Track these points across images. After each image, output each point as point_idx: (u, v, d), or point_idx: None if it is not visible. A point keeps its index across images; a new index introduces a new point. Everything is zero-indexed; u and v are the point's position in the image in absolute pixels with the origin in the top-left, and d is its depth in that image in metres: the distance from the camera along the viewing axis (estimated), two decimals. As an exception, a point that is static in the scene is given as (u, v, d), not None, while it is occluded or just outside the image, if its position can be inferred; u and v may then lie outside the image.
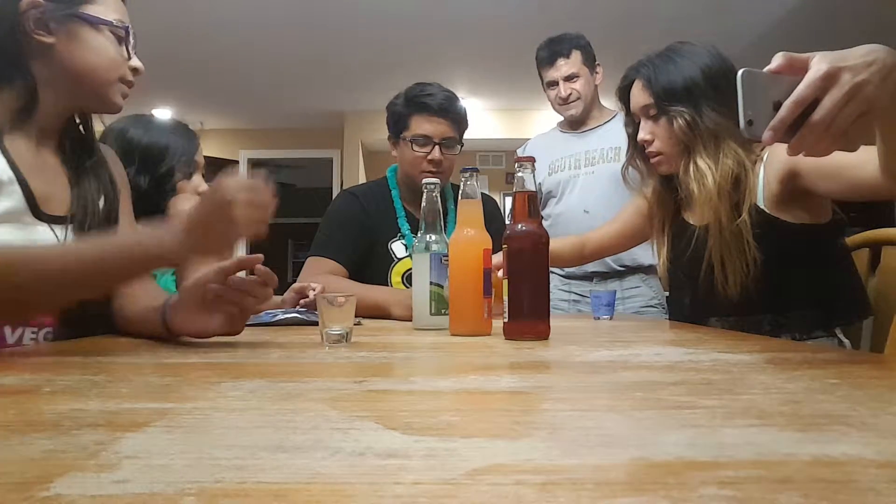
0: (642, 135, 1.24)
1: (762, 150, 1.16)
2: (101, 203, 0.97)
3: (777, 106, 0.63)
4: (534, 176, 0.95)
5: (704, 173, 1.15)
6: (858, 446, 0.32)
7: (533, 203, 0.94)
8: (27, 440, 0.34)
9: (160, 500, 0.25)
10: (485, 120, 5.92)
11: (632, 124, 1.32)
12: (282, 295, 1.49)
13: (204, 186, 1.38)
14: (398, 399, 0.47)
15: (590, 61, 2.01)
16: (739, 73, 0.64)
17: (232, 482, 0.27)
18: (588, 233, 1.59)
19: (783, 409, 0.42)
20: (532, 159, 0.95)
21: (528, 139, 2.31)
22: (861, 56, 0.63)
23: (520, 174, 0.94)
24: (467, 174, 1.01)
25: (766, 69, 0.65)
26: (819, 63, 0.62)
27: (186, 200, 1.33)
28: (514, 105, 5.92)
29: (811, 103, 0.62)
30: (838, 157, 0.71)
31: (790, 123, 0.63)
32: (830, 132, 0.63)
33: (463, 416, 0.42)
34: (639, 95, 1.24)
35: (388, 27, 4.21)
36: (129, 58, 0.94)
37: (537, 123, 5.71)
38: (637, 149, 1.32)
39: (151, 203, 1.27)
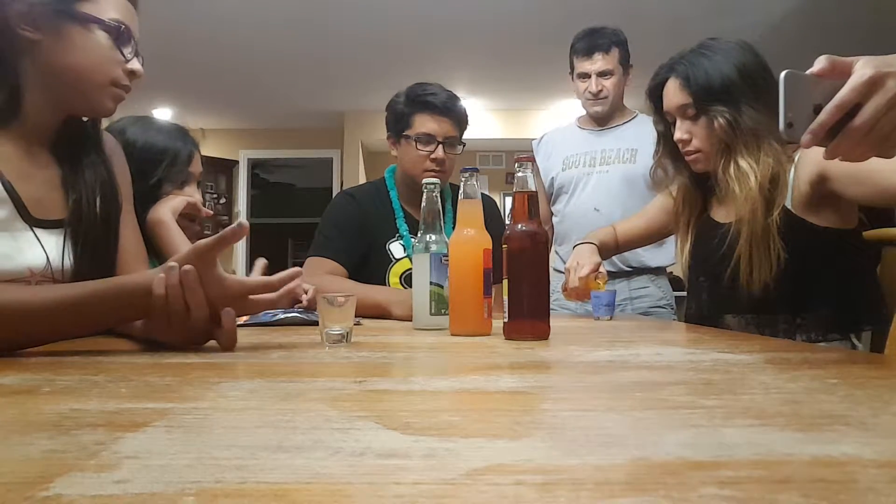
0: (679, 134, 1.23)
1: (794, 151, 1.17)
2: (99, 203, 0.93)
3: (817, 109, 0.63)
4: (534, 176, 0.95)
5: (747, 173, 1.15)
6: (858, 446, 0.32)
7: (533, 203, 0.94)
8: (27, 440, 0.34)
9: (160, 500, 0.25)
10: (485, 120, 5.92)
11: (662, 122, 1.31)
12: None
13: (197, 196, 1.32)
14: (398, 399, 0.47)
15: (625, 61, 1.99)
16: (782, 74, 0.64)
17: (232, 482, 0.27)
18: (615, 223, 1.59)
19: (783, 409, 0.42)
20: (532, 159, 0.95)
21: (528, 139, 2.31)
22: None
23: (520, 174, 0.94)
24: (467, 174, 1.01)
25: (808, 72, 0.64)
26: (863, 68, 0.62)
27: (166, 202, 1.27)
28: (514, 105, 5.92)
29: (852, 108, 0.62)
30: (868, 162, 0.70)
31: (830, 127, 0.62)
32: (870, 138, 0.62)
33: (463, 416, 0.42)
34: (675, 95, 1.23)
35: (389, 27, 4.21)
36: (126, 60, 0.89)
37: (537, 123, 5.71)
38: (667, 146, 1.31)
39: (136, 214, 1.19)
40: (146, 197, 1.24)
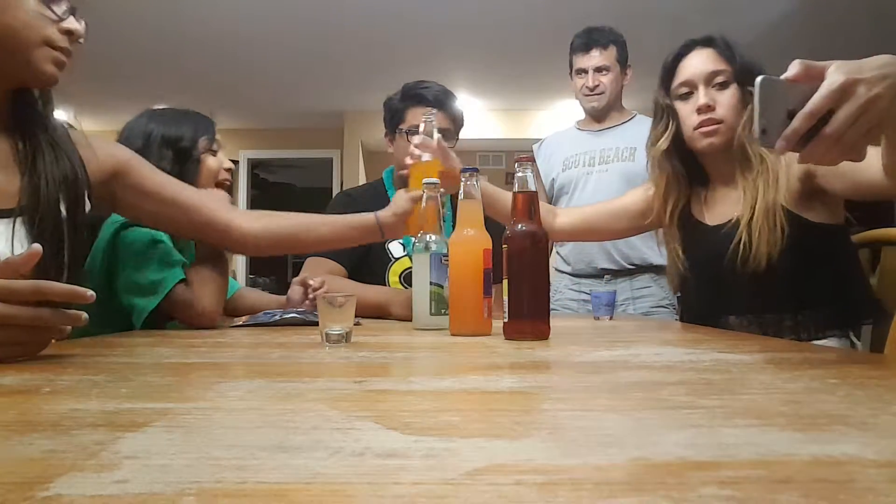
0: (704, 100, 1.21)
1: None
2: (62, 189, 0.88)
3: (791, 115, 0.64)
4: (534, 176, 0.95)
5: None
6: (858, 446, 0.32)
7: (533, 203, 0.94)
8: (27, 440, 0.34)
9: (160, 500, 0.25)
10: (485, 120, 5.92)
11: (667, 97, 1.29)
12: (283, 295, 1.49)
13: (227, 163, 1.36)
14: (398, 399, 0.47)
15: (623, 59, 2.00)
16: (758, 80, 0.65)
17: (232, 482, 0.27)
18: (570, 208, 1.56)
19: (783, 409, 0.42)
20: (532, 159, 0.95)
21: (528, 139, 2.32)
22: (877, 68, 0.64)
23: (520, 174, 0.94)
24: (467, 174, 1.01)
25: (782, 77, 0.65)
26: (835, 74, 0.63)
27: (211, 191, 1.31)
28: (514, 105, 5.92)
29: (825, 114, 0.63)
30: None
31: (803, 134, 0.64)
32: (841, 144, 0.63)
33: (463, 416, 0.42)
34: (708, 61, 1.23)
35: (389, 27, 4.21)
36: (60, 18, 0.84)
37: (537, 123, 5.71)
38: (671, 123, 1.29)
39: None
40: (181, 164, 1.27)
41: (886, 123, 0.66)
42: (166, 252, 1.16)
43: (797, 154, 1.13)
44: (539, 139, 2.27)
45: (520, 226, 0.92)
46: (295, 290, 1.39)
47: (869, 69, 0.63)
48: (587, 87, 1.98)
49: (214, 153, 1.34)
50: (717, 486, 0.26)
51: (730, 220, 1.21)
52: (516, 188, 0.95)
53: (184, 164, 1.28)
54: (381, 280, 1.60)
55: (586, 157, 2.02)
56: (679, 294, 1.43)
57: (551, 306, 2.10)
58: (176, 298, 1.13)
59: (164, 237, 1.19)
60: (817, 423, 0.38)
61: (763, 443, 0.33)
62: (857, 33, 3.73)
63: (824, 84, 0.63)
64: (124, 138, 1.30)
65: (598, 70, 1.97)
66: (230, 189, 1.38)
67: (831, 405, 0.43)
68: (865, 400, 0.45)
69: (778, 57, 1.21)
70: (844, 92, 0.62)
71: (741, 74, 1.20)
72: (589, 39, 1.98)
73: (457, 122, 1.63)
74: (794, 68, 0.65)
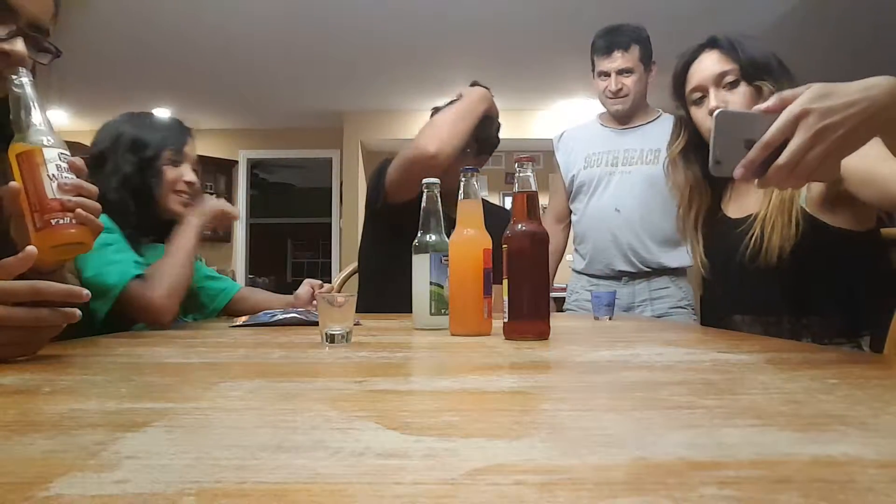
0: (716, 102, 1.22)
1: None
2: None
3: (749, 144, 0.67)
4: (534, 175, 0.95)
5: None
6: (858, 446, 0.32)
7: (533, 203, 0.94)
8: (27, 440, 0.34)
9: (160, 500, 0.25)
10: (485, 120, 5.91)
11: (684, 107, 1.30)
12: (287, 294, 1.50)
13: (190, 176, 1.34)
14: (398, 399, 0.47)
15: (647, 58, 1.96)
16: (715, 114, 0.70)
17: (232, 482, 0.27)
18: None
19: (783, 409, 0.42)
20: (532, 159, 0.95)
21: (528, 139, 2.30)
22: (850, 94, 0.65)
23: (520, 174, 0.94)
24: (467, 174, 1.01)
25: (754, 108, 0.69)
26: (795, 104, 0.65)
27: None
28: (514, 105, 5.90)
29: (784, 141, 0.66)
30: (874, 166, 0.72)
31: (761, 162, 0.67)
32: (797, 172, 0.66)
33: (463, 416, 0.42)
34: (715, 63, 1.23)
35: (389, 27, 4.21)
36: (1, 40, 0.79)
37: (537, 123, 5.70)
38: (687, 134, 1.30)
39: (136, 186, 1.27)
40: (142, 172, 1.29)
41: (847, 151, 0.67)
42: (117, 251, 1.16)
43: None
44: (537, 139, 2.25)
45: (520, 226, 0.92)
46: (304, 290, 1.40)
47: (840, 95, 0.65)
48: (610, 90, 1.94)
49: (177, 165, 1.33)
50: (717, 486, 0.26)
51: (750, 215, 1.21)
52: (516, 188, 0.94)
53: (145, 172, 1.29)
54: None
55: (609, 157, 1.98)
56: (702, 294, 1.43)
57: (567, 306, 2.08)
58: (129, 296, 1.12)
59: (117, 238, 1.18)
60: (817, 423, 0.38)
61: (763, 443, 0.33)
62: (858, 32, 3.73)
63: (782, 114, 0.65)
64: (98, 137, 1.31)
65: (621, 73, 1.93)
66: (187, 202, 1.34)
67: (831, 405, 0.43)
68: (865, 400, 0.45)
69: (780, 56, 1.21)
70: (796, 122, 0.64)
71: (749, 71, 1.20)
72: (611, 41, 1.94)
73: (479, 139, 1.61)
74: (770, 101, 0.68)
